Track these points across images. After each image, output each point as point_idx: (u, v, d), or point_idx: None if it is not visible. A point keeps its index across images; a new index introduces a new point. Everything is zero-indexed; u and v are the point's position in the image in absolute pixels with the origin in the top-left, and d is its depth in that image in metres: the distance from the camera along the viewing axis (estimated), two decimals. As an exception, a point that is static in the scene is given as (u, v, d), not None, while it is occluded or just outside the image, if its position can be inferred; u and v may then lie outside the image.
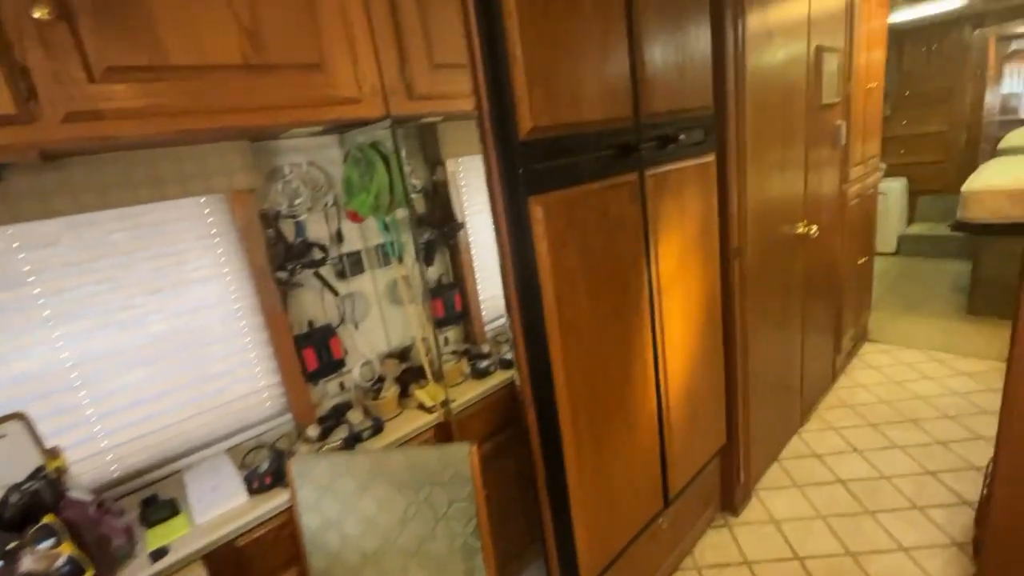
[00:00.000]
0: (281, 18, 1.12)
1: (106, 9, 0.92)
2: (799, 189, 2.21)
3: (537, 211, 1.12)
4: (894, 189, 4.99)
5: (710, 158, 1.68)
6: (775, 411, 2.31)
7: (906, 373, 2.98)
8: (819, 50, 2.16)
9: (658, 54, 1.38)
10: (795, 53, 2.00)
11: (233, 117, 1.08)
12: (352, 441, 1.47)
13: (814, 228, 2.25)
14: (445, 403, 1.61)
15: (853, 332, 3.15)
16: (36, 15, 0.85)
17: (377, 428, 1.52)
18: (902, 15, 3.80)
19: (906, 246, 5.06)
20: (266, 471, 1.32)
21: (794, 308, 2.34)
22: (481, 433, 1.67)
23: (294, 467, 1.22)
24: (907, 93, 5.02)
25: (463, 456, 1.17)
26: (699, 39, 1.54)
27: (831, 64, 2.26)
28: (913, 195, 5.24)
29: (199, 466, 1.39)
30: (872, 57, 2.78)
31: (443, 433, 1.61)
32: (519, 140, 1.08)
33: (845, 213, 2.72)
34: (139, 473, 1.34)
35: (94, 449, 1.27)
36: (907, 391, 2.79)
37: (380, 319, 1.78)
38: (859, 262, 3.04)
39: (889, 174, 5.19)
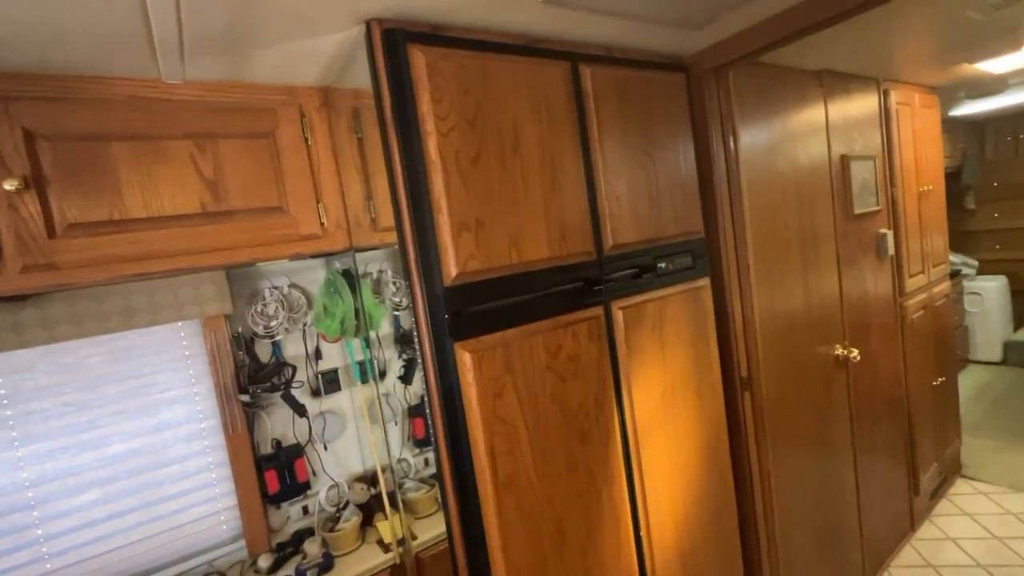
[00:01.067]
0: (244, 169, 1.21)
1: (74, 175, 1.04)
2: (833, 308, 1.97)
3: (465, 358, 1.05)
4: (991, 289, 4.37)
5: (702, 282, 1.54)
6: (824, 567, 1.91)
7: (1012, 526, 2.39)
8: (845, 159, 2.01)
9: (624, 188, 1.33)
10: (811, 164, 1.86)
11: (187, 260, 1.15)
12: (294, 581, 1.37)
13: (855, 352, 1.97)
14: (402, 542, 1.48)
15: (937, 466, 2.63)
16: (7, 187, 0.97)
17: (326, 567, 1.42)
18: (974, 107, 3.52)
19: (1015, 354, 4.32)
20: (193, 613, 1.25)
21: (841, 442, 2.00)
22: (442, 581, 1.51)
23: (208, 618, 1.14)
24: (995, 184, 4.53)
25: (373, 632, 1.03)
26: (679, 165, 1.47)
27: (863, 172, 2.09)
28: (1017, 295, 4.55)
29: (140, 595, 1.35)
30: (925, 156, 2.55)
31: (398, 577, 1.47)
32: (444, 287, 1.04)
33: (907, 329, 2.38)
34: (79, 599, 1.32)
35: (40, 571, 1.27)
36: (1013, 553, 2.22)
37: (356, 439, 1.73)
38: (935, 383, 2.60)
39: (983, 272, 4.59)
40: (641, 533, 1.36)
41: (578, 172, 1.24)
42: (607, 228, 1.30)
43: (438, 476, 1.11)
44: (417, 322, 1.07)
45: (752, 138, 1.63)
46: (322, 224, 1.32)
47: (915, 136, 2.46)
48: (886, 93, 2.26)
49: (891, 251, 2.25)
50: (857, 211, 2.06)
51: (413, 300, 1.07)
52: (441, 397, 1.07)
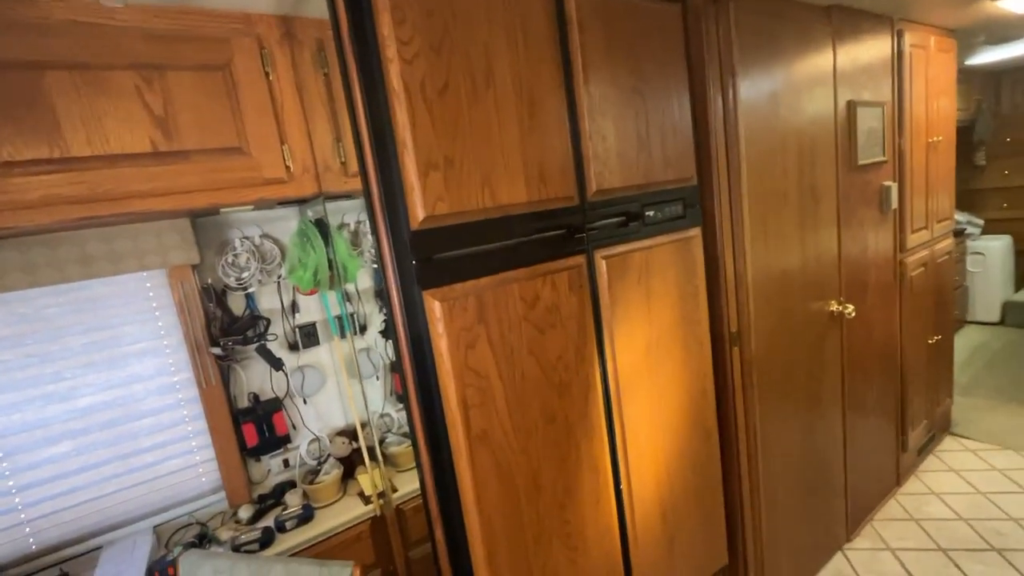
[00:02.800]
0: (198, 105, 1.12)
1: (5, 108, 0.95)
2: (830, 262, 1.90)
3: (434, 306, 1.00)
4: (995, 248, 4.29)
5: (693, 233, 1.47)
6: (806, 520, 1.92)
7: (997, 482, 2.41)
8: (852, 105, 1.89)
9: (610, 128, 1.24)
10: (815, 109, 1.75)
11: (139, 203, 1.08)
12: (273, 531, 1.37)
13: (850, 308, 1.91)
14: (383, 495, 1.47)
15: (927, 424, 2.63)
16: (-71, 118, 0.89)
17: (305, 517, 1.42)
18: (989, 56, 3.33)
19: (1013, 315, 4.28)
20: (171, 561, 1.25)
21: (831, 399, 1.97)
22: (424, 532, 1.51)
23: (182, 566, 1.14)
24: (1008, 140, 4.36)
25: (344, 581, 1.02)
26: (672, 105, 1.37)
27: (869, 120, 1.97)
28: (1021, 255, 4.47)
29: (119, 544, 1.35)
30: (937, 108, 2.42)
31: (379, 529, 1.47)
32: (411, 231, 0.97)
33: (905, 286, 2.32)
34: (57, 548, 1.32)
35: (13, 521, 1.27)
36: (996, 508, 2.24)
37: (337, 393, 1.70)
38: (930, 341, 2.56)
39: (988, 231, 4.48)
40: (621, 486, 1.34)
41: (559, 109, 1.15)
42: (591, 171, 1.21)
43: (409, 428, 1.08)
44: (383, 268, 1.01)
45: (752, 79, 1.51)
46: (287, 168, 1.24)
47: (928, 83, 2.33)
48: (900, 34, 2.11)
49: (895, 205, 2.16)
50: (861, 161, 1.96)
51: (378, 245, 1.00)
52: (410, 348, 1.02)
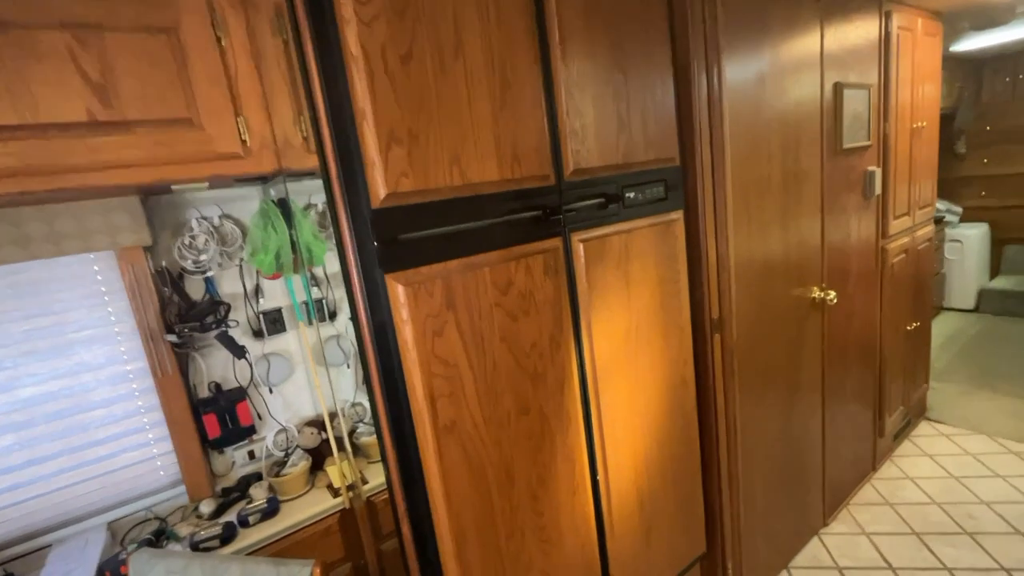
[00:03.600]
0: (141, 71, 1.03)
1: (-85, 68, 0.86)
2: (813, 248, 1.87)
3: (398, 291, 0.93)
4: (972, 236, 4.34)
5: (675, 216, 1.42)
6: (784, 506, 1.92)
7: (970, 467, 2.44)
8: (838, 87, 1.85)
9: (589, 105, 1.17)
10: (802, 93, 1.71)
11: (76, 178, 0.99)
12: (236, 526, 1.31)
13: (832, 295, 1.89)
14: (352, 487, 1.42)
15: (903, 409, 2.65)
16: None
17: (270, 511, 1.36)
18: (973, 43, 3.32)
19: (988, 302, 4.35)
20: (124, 560, 1.19)
21: (810, 385, 1.96)
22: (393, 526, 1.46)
23: (132, 566, 1.07)
24: (987, 128, 4.40)
25: (304, 580, 0.97)
26: (654, 83, 1.31)
27: (856, 103, 1.94)
28: (997, 243, 4.54)
29: (70, 542, 1.28)
30: (922, 93, 2.40)
31: (348, 522, 1.42)
32: (372, 209, 0.90)
33: (886, 272, 2.31)
34: (2, 547, 1.25)
35: (-48, 519, 1.18)
36: (969, 492, 2.27)
37: (306, 382, 1.63)
38: (909, 328, 2.57)
39: (967, 219, 4.54)
40: (598, 476, 1.30)
41: (535, 84, 1.08)
42: (568, 150, 1.15)
43: (374, 420, 1.02)
44: (342, 250, 0.94)
45: (738, 57, 1.46)
46: (243, 142, 1.15)
47: (914, 67, 2.29)
48: (888, 15, 2.06)
49: (878, 191, 2.13)
50: (846, 145, 1.92)
51: (337, 225, 0.93)
52: (373, 336, 0.96)
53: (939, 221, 4.21)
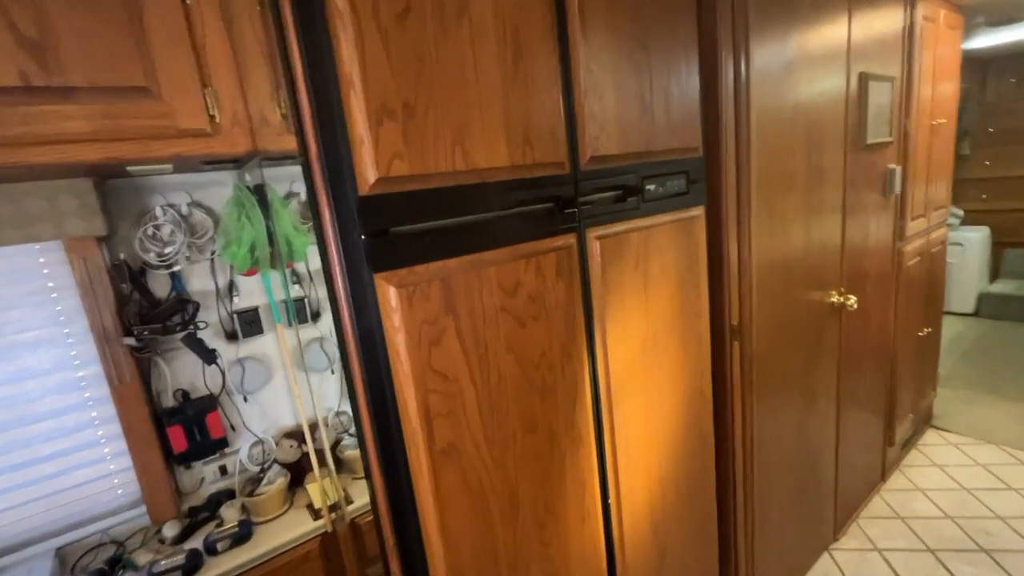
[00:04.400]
0: (86, 28, 0.87)
1: None
2: (833, 250, 1.76)
3: (389, 293, 0.79)
4: (974, 239, 4.28)
5: (696, 212, 1.29)
6: (795, 521, 1.81)
7: (982, 478, 2.36)
8: (864, 78, 1.73)
9: (609, 83, 1.03)
10: (828, 84, 1.58)
11: (4, 153, 0.83)
12: (202, 554, 1.16)
13: (852, 299, 1.78)
14: (335, 507, 1.28)
15: (912, 418, 2.56)
16: None
17: (242, 536, 1.21)
18: (983, 40, 3.24)
19: (988, 306, 4.31)
20: (69, 596, 1.03)
21: (826, 394, 1.86)
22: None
23: (75, 609, 0.92)
24: (991, 130, 4.34)
25: (275, 631, 0.83)
26: (679, 62, 1.18)
27: (880, 96, 1.82)
28: (998, 247, 4.49)
29: (10, 572, 1.12)
30: (941, 89, 2.29)
31: (331, 547, 1.28)
32: (359, 196, 0.75)
33: (901, 276, 2.21)
34: (-72, 579, 1.09)
35: None
36: (982, 506, 2.18)
37: (285, 390, 1.48)
38: (920, 333, 2.48)
39: (968, 222, 4.48)
40: (610, 501, 1.17)
41: (550, 56, 0.94)
42: (586, 134, 1.01)
43: (359, 443, 0.88)
44: (324, 245, 0.80)
45: (766, 43, 1.33)
46: (211, 117, 1.00)
47: (935, 61, 2.19)
48: (913, 3, 1.95)
49: (898, 189, 2.03)
50: (870, 140, 1.81)
51: (318, 214, 0.79)
52: (359, 345, 0.82)
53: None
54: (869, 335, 2.07)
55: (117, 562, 1.16)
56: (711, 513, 1.47)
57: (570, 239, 1.02)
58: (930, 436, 2.74)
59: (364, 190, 0.75)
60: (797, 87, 1.47)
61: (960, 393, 3.11)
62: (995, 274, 4.53)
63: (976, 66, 4.26)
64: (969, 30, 3.02)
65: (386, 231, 0.78)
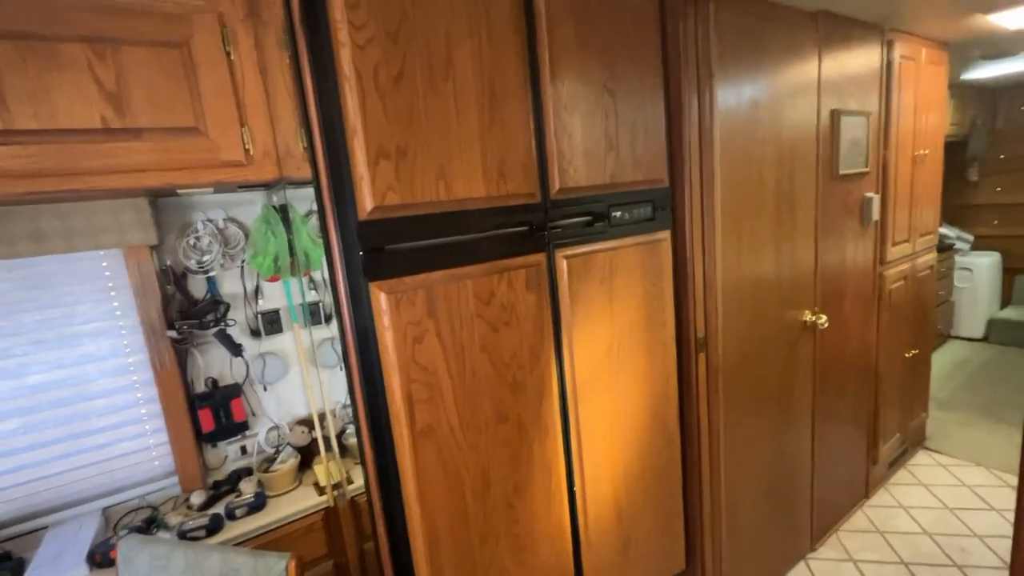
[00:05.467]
0: (153, 82, 1.09)
1: (-54, 76, 0.93)
2: (806, 271, 1.89)
3: (380, 299, 0.98)
4: (983, 265, 4.28)
5: (662, 235, 1.45)
6: (770, 528, 1.92)
7: (966, 499, 2.41)
8: (835, 114, 1.87)
9: (577, 125, 1.22)
10: (797, 116, 1.73)
11: (88, 180, 1.06)
12: (222, 518, 1.35)
13: (823, 319, 1.90)
14: (338, 485, 1.46)
15: (900, 437, 2.63)
16: None
17: (256, 505, 1.40)
18: (983, 72, 3.31)
19: (997, 332, 4.29)
20: (113, 545, 1.24)
21: (801, 408, 1.97)
22: (376, 524, 1.50)
23: (120, 550, 1.12)
24: (1001, 156, 4.36)
25: (279, 571, 1.01)
26: (644, 105, 1.35)
27: (853, 129, 1.96)
28: (1009, 272, 4.47)
29: (66, 524, 1.34)
30: (926, 121, 2.40)
31: (332, 520, 1.46)
32: (359, 220, 0.95)
33: (883, 298, 2.31)
34: (2, 525, 1.31)
35: (-43, 497, 1.25)
36: (962, 524, 2.24)
37: (300, 382, 1.68)
38: (907, 355, 2.56)
39: (978, 247, 4.48)
40: (575, 487, 1.33)
41: (523, 103, 1.13)
42: (554, 168, 1.20)
43: (354, 422, 1.06)
44: (330, 258, 0.99)
45: (731, 81, 1.49)
46: (247, 151, 1.22)
47: (917, 96, 2.31)
48: (890, 44, 2.09)
49: (876, 217, 2.14)
50: (843, 171, 1.94)
51: (326, 234, 0.98)
52: (356, 340, 1.01)
53: (948, 248, 4.17)
54: (848, 354, 2.17)
55: (152, 522, 1.36)
56: (677, 507, 1.60)
57: (540, 257, 1.20)
58: (921, 457, 2.79)
59: (363, 216, 0.95)
60: (765, 121, 1.62)
61: (958, 416, 3.14)
62: (1006, 300, 4.51)
63: (986, 94, 4.30)
64: (967, 62, 3.11)
65: (380, 248, 0.98)
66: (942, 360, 4.00)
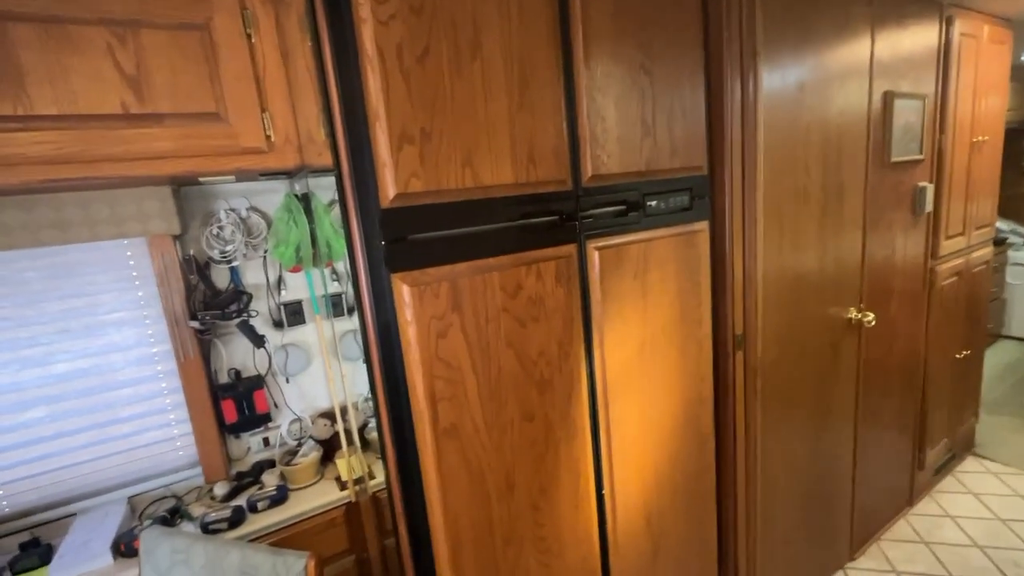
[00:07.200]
0: (173, 66, 1.06)
1: (-33, 60, 0.91)
2: (852, 266, 1.77)
3: (403, 291, 0.93)
4: (1040, 261, 4.02)
5: (699, 226, 1.37)
6: (807, 535, 1.83)
7: (1019, 509, 2.26)
8: (888, 96, 1.74)
9: (611, 108, 1.14)
10: (847, 102, 1.61)
11: (108, 167, 1.03)
12: (244, 511, 1.34)
13: (870, 316, 1.79)
14: (360, 480, 1.43)
15: (947, 442, 2.48)
16: None
17: (278, 499, 1.39)
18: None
19: (1053, 332, 4.03)
20: (138, 534, 1.23)
21: (842, 410, 1.86)
22: (398, 521, 1.47)
23: (143, 542, 1.11)
24: (1064, 144, 4.06)
25: (298, 570, 0.98)
26: (683, 87, 1.26)
27: (908, 114, 1.82)
28: (1067, 269, 4.18)
29: (94, 512, 1.34)
30: (985, 105, 2.23)
31: (353, 515, 1.43)
32: (381, 209, 0.90)
33: (934, 295, 2.16)
34: (31, 512, 1.32)
35: (-13, 483, 1.26)
36: (1015, 537, 2.10)
37: (322, 374, 1.66)
38: (958, 356, 2.40)
39: (1035, 242, 4.20)
40: (603, 491, 1.27)
41: (555, 85, 1.06)
42: (587, 155, 1.12)
43: (375, 419, 1.02)
44: (351, 248, 0.95)
45: (776, 63, 1.39)
46: (268, 137, 1.18)
47: (977, 77, 2.14)
48: (949, 21, 1.93)
49: (929, 207, 2.00)
50: (895, 159, 1.81)
51: (347, 223, 0.94)
52: (377, 334, 0.96)
53: (1002, 242, 3.92)
54: (895, 354, 2.04)
55: (176, 512, 1.36)
56: (710, 513, 1.52)
57: (570, 249, 1.13)
58: (969, 463, 2.64)
59: (385, 204, 0.90)
60: (812, 105, 1.51)
61: (1009, 421, 2.95)
62: (1064, 298, 4.22)
63: (1047, 76, 4.00)
64: (1029, 41, 2.88)
65: (403, 238, 0.93)
66: (992, 361, 3.77)
